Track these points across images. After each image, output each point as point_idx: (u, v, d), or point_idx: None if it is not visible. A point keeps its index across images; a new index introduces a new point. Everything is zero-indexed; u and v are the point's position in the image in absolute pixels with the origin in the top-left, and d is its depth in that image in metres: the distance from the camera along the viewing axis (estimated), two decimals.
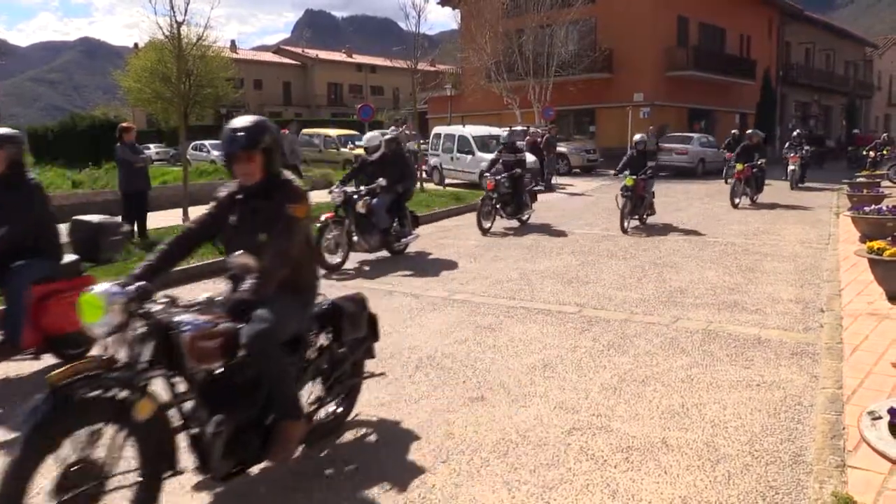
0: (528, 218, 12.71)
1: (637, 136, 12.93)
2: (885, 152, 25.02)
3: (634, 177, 11.69)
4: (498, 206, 11.94)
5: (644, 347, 5.45)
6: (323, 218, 8.61)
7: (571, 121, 32.49)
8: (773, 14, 38.25)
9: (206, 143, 34.14)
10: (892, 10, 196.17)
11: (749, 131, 17.20)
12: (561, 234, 11.69)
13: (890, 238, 6.46)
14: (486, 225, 11.69)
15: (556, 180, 20.80)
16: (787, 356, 5.17)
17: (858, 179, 16.08)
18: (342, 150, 27.15)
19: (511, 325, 6.14)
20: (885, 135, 30.68)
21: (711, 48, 33.28)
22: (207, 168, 30.27)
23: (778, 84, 38.67)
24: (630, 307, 6.72)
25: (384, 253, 9.59)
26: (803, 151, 20.12)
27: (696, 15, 32.35)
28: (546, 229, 12.09)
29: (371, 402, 4.37)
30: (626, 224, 11.64)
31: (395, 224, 9.48)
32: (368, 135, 9.88)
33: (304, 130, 30.86)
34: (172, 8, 11.28)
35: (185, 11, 11.37)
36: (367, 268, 8.94)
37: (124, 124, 10.89)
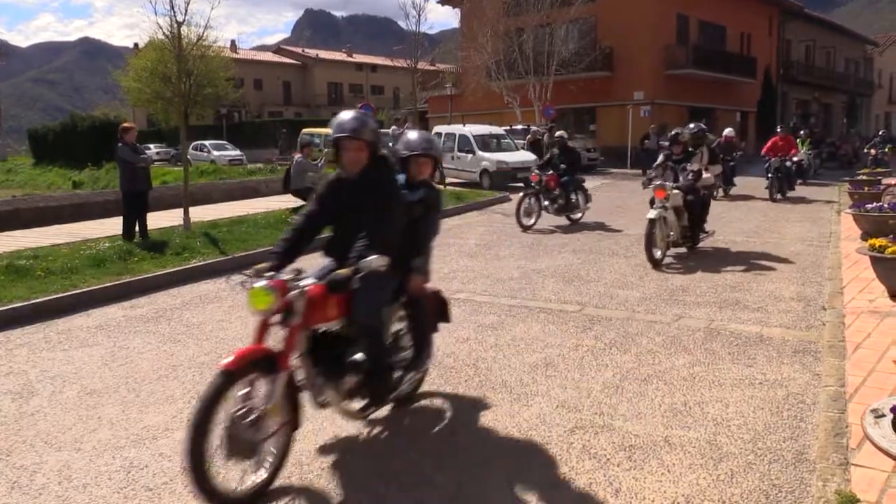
0: None
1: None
2: (887, 150, 24.83)
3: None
4: None
5: (646, 346, 5.44)
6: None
7: (572, 119, 32.45)
8: (774, 12, 38.20)
9: (207, 143, 34.16)
10: (893, 8, 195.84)
11: (558, 133, 12.96)
12: (562, 232, 11.68)
13: (891, 235, 6.44)
14: None
15: None
16: (789, 354, 5.16)
17: (860, 177, 15.98)
18: None
19: (513, 324, 6.13)
20: (882, 131, 30.37)
21: (711, 46, 33.22)
22: (208, 168, 30.29)
23: (778, 82, 38.64)
24: (632, 305, 6.72)
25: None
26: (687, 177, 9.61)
27: (696, 13, 32.31)
28: (547, 228, 12.09)
29: None
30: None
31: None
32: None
33: (305, 130, 30.87)
34: (173, 8, 11.28)
35: (186, 11, 11.35)
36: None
37: (125, 124, 10.89)
